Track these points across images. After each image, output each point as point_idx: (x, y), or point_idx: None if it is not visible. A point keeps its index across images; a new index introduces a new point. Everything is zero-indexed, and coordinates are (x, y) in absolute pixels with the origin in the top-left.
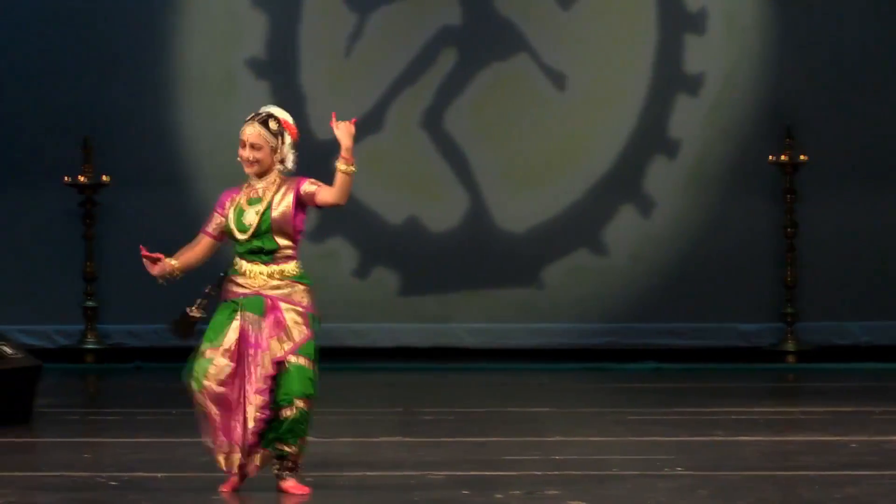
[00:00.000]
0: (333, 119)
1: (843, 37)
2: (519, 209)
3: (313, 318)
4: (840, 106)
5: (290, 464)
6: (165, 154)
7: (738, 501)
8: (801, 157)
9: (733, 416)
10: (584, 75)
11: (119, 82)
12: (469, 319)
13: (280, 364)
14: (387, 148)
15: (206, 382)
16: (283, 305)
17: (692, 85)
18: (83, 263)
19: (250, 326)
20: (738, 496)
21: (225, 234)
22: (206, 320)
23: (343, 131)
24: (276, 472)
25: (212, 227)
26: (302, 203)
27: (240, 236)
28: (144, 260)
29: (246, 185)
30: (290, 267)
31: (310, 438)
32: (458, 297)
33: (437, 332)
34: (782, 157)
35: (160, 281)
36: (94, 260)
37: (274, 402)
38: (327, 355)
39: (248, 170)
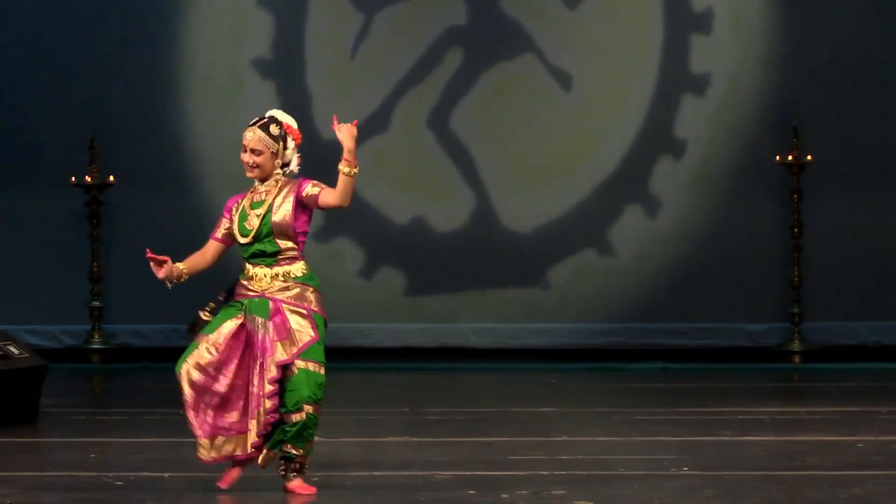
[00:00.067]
0: (335, 121)
1: (849, 37)
2: (525, 209)
3: (320, 320)
4: (846, 106)
5: (296, 465)
6: (171, 154)
7: (744, 501)
8: (808, 157)
9: (739, 416)
10: (590, 75)
11: (125, 83)
12: (475, 319)
13: (286, 368)
14: (393, 148)
15: (185, 363)
16: (286, 308)
17: (698, 85)
18: (89, 263)
19: (255, 328)
20: (744, 496)
21: (232, 239)
22: None
23: (345, 133)
24: (281, 473)
25: (219, 232)
26: (304, 205)
27: (242, 240)
28: (151, 263)
29: (251, 189)
30: (296, 268)
31: (317, 439)
32: (464, 297)
33: (443, 332)
34: (789, 158)
35: (167, 285)
36: (100, 260)
37: (283, 406)
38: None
39: (248, 174)
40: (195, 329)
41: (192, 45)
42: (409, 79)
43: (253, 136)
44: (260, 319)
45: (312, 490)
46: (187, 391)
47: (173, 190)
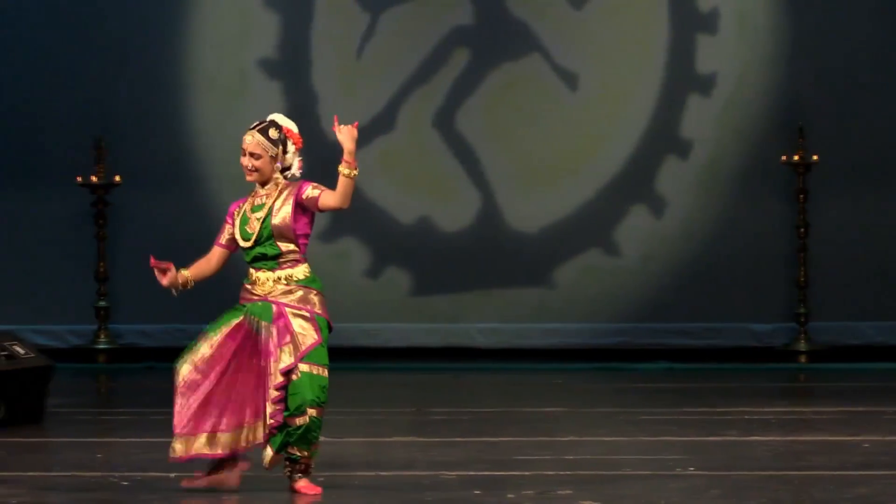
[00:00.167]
0: (336, 122)
1: (855, 37)
2: (531, 209)
3: (323, 323)
4: (852, 106)
5: (302, 466)
6: (177, 154)
7: (749, 501)
8: (814, 157)
9: (745, 416)
10: (596, 75)
11: (131, 83)
12: (481, 319)
13: (289, 372)
14: (398, 148)
15: (182, 361)
16: (289, 312)
17: (704, 85)
18: (95, 263)
19: (258, 332)
20: (749, 496)
21: (236, 244)
22: None
23: (346, 135)
24: (287, 474)
25: (223, 238)
26: (304, 207)
27: (244, 244)
28: (154, 271)
29: (252, 192)
30: (298, 271)
31: (322, 439)
32: (469, 297)
33: (449, 331)
34: (794, 158)
35: (173, 292)
36: (106, 260)
37: (286, 409)
38: (339, 355)
39: (248, 178)
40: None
41: (199, 46)
42: (414, 79)
43: (252, 139)
44: (263, 323)
45: (318, 490)
46: (177, 385)
47: (179, 190)
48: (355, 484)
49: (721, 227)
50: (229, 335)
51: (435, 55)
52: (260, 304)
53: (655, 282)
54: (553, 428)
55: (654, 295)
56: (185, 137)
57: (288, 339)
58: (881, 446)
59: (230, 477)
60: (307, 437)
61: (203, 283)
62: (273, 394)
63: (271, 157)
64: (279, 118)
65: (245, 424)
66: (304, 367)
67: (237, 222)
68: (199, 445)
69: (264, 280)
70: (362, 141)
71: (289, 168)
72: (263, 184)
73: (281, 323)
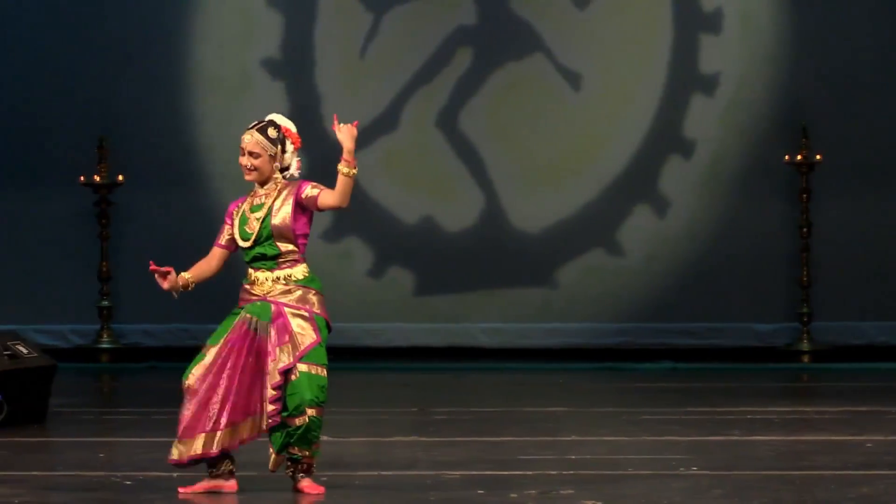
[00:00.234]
0: (336, 121)
1: (859, 37)
2: (534, 209)
3: (322, 322)
4: (855, 106)
5: (304, 466)
6: (180, 154)
7: (752, 501)
8: (817, 157)
9: (748, 416)
10: (600, 75)
11: (134, 82)
12: (484, 319)
13: (288, 372)
14: (402, 148)
15: (189, 374)
16: (288, 311)
17: (707, 85)
18: (98, 263)
19: (256, 331)
20: (752, 496)
21: (235, 244)
22: None
23: (345, 133)
24: (290, 474)
25: (223, 238)
26: (303, 207)
27: (243, 244)
28: (154, 276)
29: (251, 192)
30: (297, 271)
31: (325, 438)
32: (472, 297)
33: (452, 331)
34: (797, 157)
35: (173, 295)
36: (109, 259)
37: (284, 409)
38: (342, 355)
39: (246, 177)
40: None
41: (202, 46)
42: (417, 79)
43: (250, 139)
44: (262, 322)
45: (321, 490)
46: (185, 395)
47: (182, 189)
48: (358, 484)
49: (724, 226)
50: (229, 339)
51: (438, 55)
52: (259, 303)
53: (658, 282)
54: (556, 428)
55: (657, 295)
56: (187, 137)
57: (286, 338)
58: (884, 446)
59: (228, 484)
60: (307, 436)
61: (205, 283)
62: (270, 393)
63: (270, 156)
64: (278, 118)
65: (240, 422)
66: (302, 367)
67: (236, 222)
68: (197, 447)
69: (263, 280)
70: (366, 141)
71: (287, 168)
72: (262, 183)
73: (279, 322)
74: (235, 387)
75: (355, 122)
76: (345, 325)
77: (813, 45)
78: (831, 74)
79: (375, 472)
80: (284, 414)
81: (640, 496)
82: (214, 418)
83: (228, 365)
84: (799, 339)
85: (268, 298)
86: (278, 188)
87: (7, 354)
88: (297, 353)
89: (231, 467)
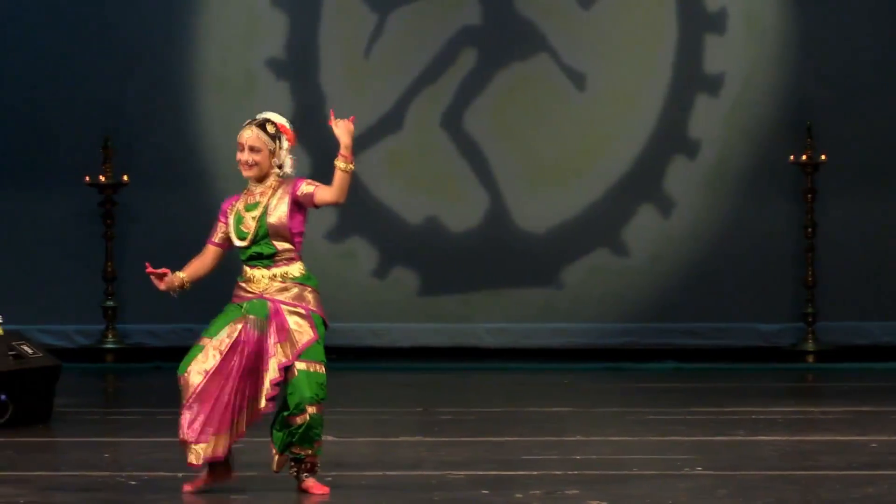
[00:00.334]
0: (332, 116)
1: (863, 37)
2: (539, 209)
3: (318, 320)
4: (860, 106)
5: (307, 465)
6: (185, 154)
7: (757, 501)
8: (822, 157)
9: (753, 416)
10: (604, 75)
11: (139, 83)
12: (489, 319)
13: (286, 370)
14: (406, 148)
15: (190, 368)
16: (285, 309)
17: (712, 85)
18: (103, 263)
19: (253, 329)
20: (757, 496)
21: (229, 242)
22: None
23: (342, 129)
24: (294, 474)
25: (217, 236)
26: (299, 205)
27: (239, 243)
28: (151, 278)
29: (245, 190)
30: (294, 269)
31: (330, 438)
32: (477, 297)
33: (457, 331)
34: (802, 157)
35: (172, 294)
36: (113, 260)
37: (285, 408)
38: (346, 355)
39: (246, 173)
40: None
41: (206, 46)
42: (422, 79)
43: (251, 133)
44: (259, 320)
45: (326, 490)
46: (188, 393)
47: (187, 190)
48: (363, 484)
49: (729, 226)
50: (236, 340)
51: (443, 55)
52: (256, 301)
53: (663, 282)
54: (560, 428)
55: (662, 295)
56: (192, 137)
57: (284, 336)
58: (889, 446)
59: (225, 474)
60: (309, 434)
61: (209, 284)
62: (268, 389)
63: (270, 151)
64: (272, 115)
65: (238, 420)
66: (301, 365)
67: (231, 221)
68: (210, 450)
69: (260, 277)
70: (370, 141)
71: (282, 166)
72: (259, 180)
73: (277, 320)
74: (240, 388)
75: (352, 118)
76: (349, 326)
77: (818, 46)
78: (836, 74)
79: (380, 472)
80: (285, 413)
81: (644, 496)
82: (221, 421)
83: (235, 367)
84: (804, 340)
85: (264, 296)
86: (274, 186)
87: (12, 355)
88: (295, 351)
89: (229, 457)
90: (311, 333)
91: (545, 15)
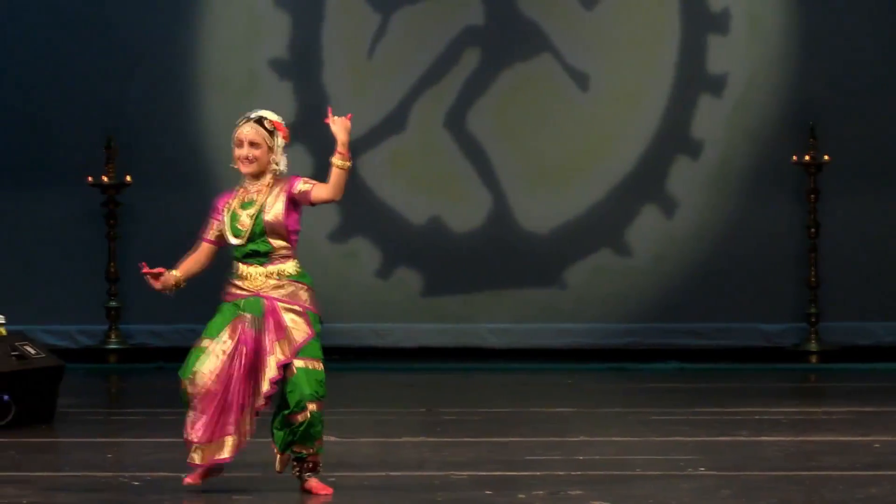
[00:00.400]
0: (329, 114)
1: (866, 37)
2: (542, 209)
3: (314, 317)
4: (864, 106)
5: (310, 465)
6: (188, 154)
7: (760, 502)
8: (825, 157)
9: (756, 417)
10: (607, 75)
11: (142, 83)
12: (492, 320)
13: (285, 368)
14: (409, 148)
15: (195, 370)
16: (280, 306)
17: (715, 85)
18: (106, 263)
19: (250, 328)
20: (760, 496)
21: (224, 240)
22: None
23: (339, 126)
24: (296, 474)
25: (211, 234)
26: (296, 203)
27: (234, 241)
28: (146, 277)
29: (240, 188)
30: (289, 267)
31: (333, 439)
32: (480, 298)
33: (460, 332)
34: (805, 158)
35: (167, 293)
36: (116, 260)
37: (285, 407)
38: (349, 355)
39: (245, 169)
40: None
41: (209, 46)
42: (425, 79)
43: (251, 129)
44: (254, 318)
45: (329, 490)
46: (194, 395)
47: (189, 190)
48: (366, 484)
49: (732, 227)
50: (237, 341)
51: (446, 55)
52: (251, 298)
53: (666, 282)
54: (564, 428)
55: (665, 295)
56: (195, 137)
57: (282, 333)
58: (892, 446)
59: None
60: (310, 432)
61: (211, 282)
62: (266, 387)
63: (269, 147)
64: (266, 112)
65: (242, 421)
66: (299, 363)
67: (226, 219)
68: (214, 452)
69: (255, 275)
70: (373, 141)
71: (278, 163)
72: (256, 177)
73: (273, 317)
74: (242, 390)
75: (349, 115)
76: (352, 326)
77: (821, 46)
78: (839, 75)
79: (383, 473)
80: (286, 412)
81: (648, 497)
82: (227, 423)
83: (238, 368)
84: (807, 340)
85: (259, 293)
86: (270, 184)
87: (15, 355)
88: (293, 348)
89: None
90: (308, 331)
91: (548, 15)
